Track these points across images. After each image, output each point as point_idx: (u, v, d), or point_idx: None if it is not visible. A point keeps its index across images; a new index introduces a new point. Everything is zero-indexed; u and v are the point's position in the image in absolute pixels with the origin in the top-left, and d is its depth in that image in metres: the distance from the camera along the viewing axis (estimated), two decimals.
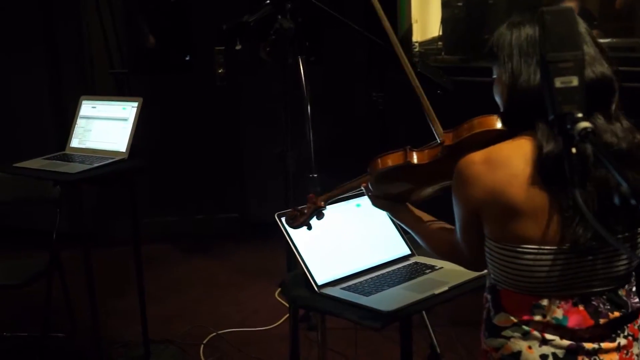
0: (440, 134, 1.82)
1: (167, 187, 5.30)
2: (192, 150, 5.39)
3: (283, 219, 2.20)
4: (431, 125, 1.88)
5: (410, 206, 1.90)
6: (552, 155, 1.43)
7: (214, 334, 3.82)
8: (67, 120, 5.26)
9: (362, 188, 1.92)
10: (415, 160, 1.71)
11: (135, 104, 3.10)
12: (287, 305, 3.97)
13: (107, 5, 4.56)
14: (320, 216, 2.05)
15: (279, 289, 4.24)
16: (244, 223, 5.48)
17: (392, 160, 1.76)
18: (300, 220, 2.07)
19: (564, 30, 1.33)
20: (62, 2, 5.24)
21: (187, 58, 5.48)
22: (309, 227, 2.07)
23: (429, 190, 1.84)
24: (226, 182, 5.45)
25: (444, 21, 5.29)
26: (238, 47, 2.79)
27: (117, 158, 2.99)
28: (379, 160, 1.78)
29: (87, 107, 3.21)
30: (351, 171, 2.08)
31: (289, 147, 2.94)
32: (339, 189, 2.00)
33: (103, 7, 4.36)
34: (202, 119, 5.38)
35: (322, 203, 2.02)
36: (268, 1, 3.27)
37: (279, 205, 5.22)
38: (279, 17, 2.48)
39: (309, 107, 2.41)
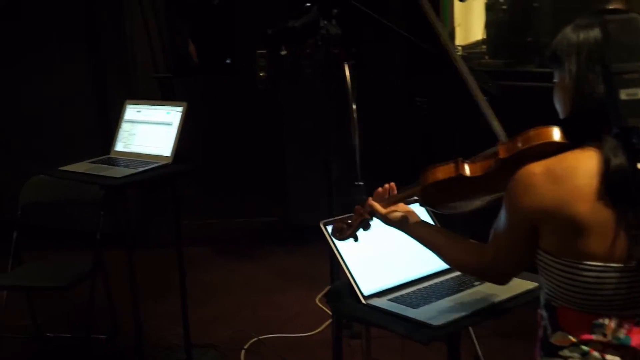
0: (502, 136, 1.77)
1: (208, 189, 5.31)
2: (233, 153, 5.40)
3: (328, 228, 2.17)
4: (495, 129, 1.84)
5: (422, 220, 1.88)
6: (620, 170, 1.37)
7: (255, 339, 3.80)
8: (111, 124, 5.33)
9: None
10: (467, 173, 1.67)
11: (180, 109, 3.10)
12: (329, 311, 3.94)
13: (151, 9, 4.56)
14: (366, 227, 2.01)
15: (320, 294, 4.24)
16: (285, 226, 5.46)
17: (443, 172, 1.72)
18: (347, 233, 2.04)
19: (629, 40, 1.28)
20: (106, 7, 5.27)
21: (228, 61, 5.51)
22: (356, 239, 2.04)
23: (477, 203, 1.80)
24: (267, 185, 5.44)
25: (488, 24, 5.21)
26: (283, 53, 2.77)
27: (162, 162, 2.98)
28: (430, 172, 1.74)
29: (132, 111, 3.21)
30: (395, 178, 2.04)
31: (333, 154, 2.90)
32: (384, 201, 1.97)
33: (147, 11, 4.36)
34: (243, 122, 5.39)
35: (369, 214, 1.99)
36: (309, 4, 3.25)
37: (321, 210, 5.20)
38: (325, 22, 2.44)
39: (355, 114, 2.37)
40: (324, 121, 5.07)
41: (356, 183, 2.46)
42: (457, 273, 2.22)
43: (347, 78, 2.40)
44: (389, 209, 1.93)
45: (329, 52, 2.58)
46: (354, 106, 2.37)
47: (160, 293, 4.32)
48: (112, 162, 3.07)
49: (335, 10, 2.36)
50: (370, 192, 2.28)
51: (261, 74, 5.24)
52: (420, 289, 2.13)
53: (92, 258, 3.72)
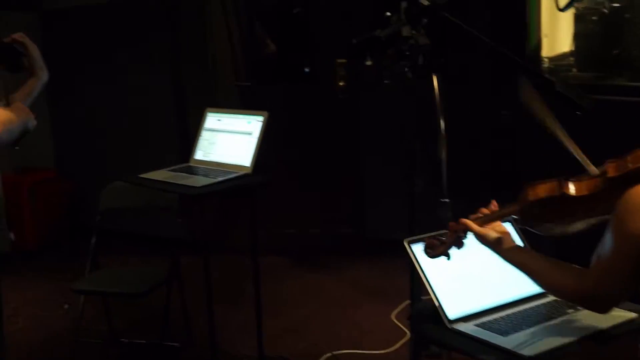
0: (587, 164, 1.66)
1: (285, 199, 5.26)
2: (310, 162, 5.34)
3: (413, 247, 2.07)
4: (575, 155, 1.72)
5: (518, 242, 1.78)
6: None
7: (329, 354, 3.72)
8: (190, 132, 5.35)
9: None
10: (572, 192, 1.57)
11: (261, 118, 3.05)
12: (405, 328, 3.84)
13: (233, 17, 4.56)
14: (460, 245, 1.92)
15: (397, 310, 4.14)
16: (360, 239, 5.37)
17: (545, 190, 1.62)
18: (440, 250, 1.95)
19: None
20: (187, 15, 5.30)
21: (307, 70, 5.47)
22: (448, 257, 1.95)
23: (579, 225, 1.69)
24: (345, 196, 5.37)
25: (577, 36, 5.02)
26: (368, 63, 2.70)
27: (241, 173, 2.94)
28: (530, 190, 1.65)
29: (212, 120, 3.19)
30: (480, 195, 1.95)
31: (416, 168, 2.80)
32: (479, 219, 1.86)
33: (229, 18, 4.35)
34: (321, 131, 5.33)
35: (463, 232, 1.89)
36: (389, 14, 3.16)
37: (399, 224, 5.10)
38: (414, 32, 2.34)
39: (443, 127, 2.28)
40: (405, 133, 4.98)
41: (442, 200, 2.35)
42: (549, 298, 2.10)
43: (435, 90, 2.30)
44: (484, 228, 1.84)
45: (416, 63, 2.48)
46: (442, 119, 2.27)
47: (234, 301, 4.30)
48: (192, 170, 3.04)
49: (424, 20, 2.26)
50: (456, 209, 2.18)
51: (340, 83, 5.19)
52: (509, 314, 2.01)
53: (169, 265, 3.72)
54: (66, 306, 4.41)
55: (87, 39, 5.64)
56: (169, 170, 3.06)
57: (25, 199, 5.52)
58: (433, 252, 1.97)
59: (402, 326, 3.94)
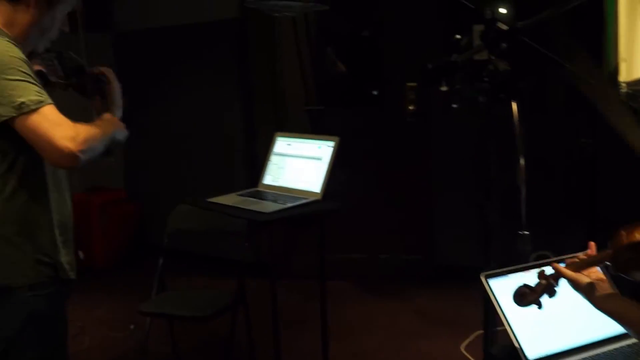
0: None
1: (352, 223, 5.19)
2: (378, 187, 5.27)
3: (490, 282, 1.98)
4: None
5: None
6: None
7: None
8: (259, 156, 5.34)
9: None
10: None
11: (332, 144, 3.00)
12: None
13: (304, 40, 4.54)
14: (552, 294, 1.81)
15: (466, 342, 4.01)
16: (428, 266, 5.26)
17: None
18: (530, 299, 1.84)
19: None
20: (257, 39, 5.31)
21: (375, 92, 5.41)
22: (540, 306, 1.83)
23: None
24: (413, 221, 5.26)
25: None
26: (444, 89, 2.61)
27: (311, 199, 2.88)
28: (626, 233, 1.54)
29: (282, 144, 3.15)
30: (560, 228, 1.85)
31: (491, 197, 2.70)
32: (573, 265, 1.76)
33: (300, 42, 4.33)
34: (390, 155, 5.26)
35: (554, 279, 1.79)
36: (458, 36, 3.07)
37: (469, 251, 5.00)
38: (492, 57, 2.26)
39: (522, 155, 2.18)
40: (478, 159, 4.86)
41: (521, 232, 2.24)
42: (629, 341, 1.98)
43: (514, 116, 2.21)
44: (578, 274, 1.74)
45: (492, 88, 2.40)
46: (523, 149, 2.17)
47: (299, 326, 4.24)
48: (260, 195, 3.00)
49: (504, 45, 2.17)
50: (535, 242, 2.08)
51: (410, 107, 5.11)
52: (592, 356, 1.91)
53: (235, 289, 3.69)
54: (132, 327, 4.42)
55: (157, 61, 5.71)
56: (237, 195, 3.02)
57: (95, 218, 5.60)
58: (523, 300, 1.86)
59: (472, 358, 3.81)
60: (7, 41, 1.96)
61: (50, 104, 1.90)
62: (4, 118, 1.87)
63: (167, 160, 5.87)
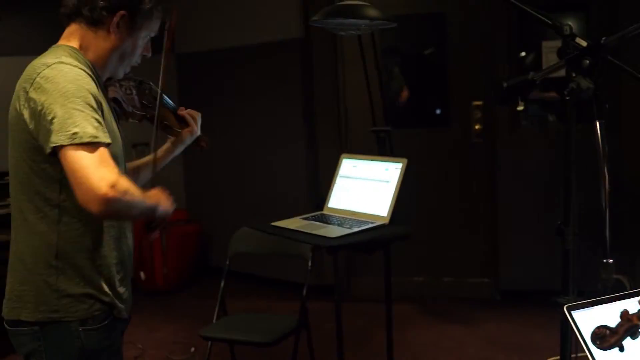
0: None
1: (415, 244, 5.06)
2: (442, 207, 5.14)
3: (574, 314, 1.84)
4: None
5: None
6: None
7: None
8: (321, 178, 5.27)
9: None
10: None
11: (400, 165, 2.89)
12: None
13: (370, 59, 4.45)
14: (635, 335, 1.67)
15: None
16: (495, 289, 5.10)
17: None
18: (611, 341, 1.70)
19: None
20: (321, 59, 5.25)
21: (438, 112, 5.30)
22: (622, 349, 1.69)
23: None
24: (478, 243, 5.12)
25: None
26: (520, 108, 2.50)
27: (378, 223, 2.78)
28: None
29: (348, 166, 3.05)
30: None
31: (570, 222, 2.55)
32: None
33: (365, 62, 4.26)
34: (455, 175, 5.13)
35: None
36: (523, 54, 2.95)
37: (537, 275, 4.83)
38: (574, 75, 2.13)
39: (607, 179, 2.04)
40: (548, 180, 4.72)
41: (605, 260, 2.09)
42: None
43: (598, 137, 2.07)
44: None
45: (574, 107, 2.26)
46: (606, 171, 2.04)
47: (363, 350, 4.13)
48: (325, 219, 2.91)
49: (587, 61, 2.05)
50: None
51: (477, 127, 4.99)
52: None
53: (298, 313, 3.60)
54: (192, 349, 4.38)
55: (220, 82, 5.69)
56: (302, 219, 2.93)
57: (156, 239, 5.57)
58: (602, 343, 1.72)
59: None
60: (82, 70, 1.90)
61: (104, 144, 1.81)
62: (55, 145, 1.78)
63: (228, 181, 5.84)
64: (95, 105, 1.85)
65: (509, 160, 4.92)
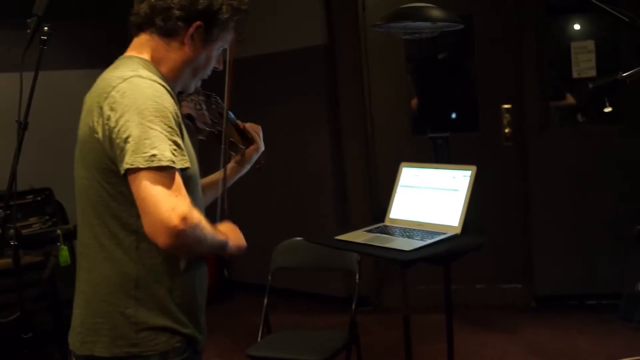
0: None
1: None
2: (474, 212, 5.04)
3: None
4: None
5: None
6: None
7: None
8: (349, 186, 5.16)
9: None
10: None
11: (469, 173, 2.80)
12: None
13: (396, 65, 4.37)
14: None
15: None
16: (529, 295, 5.01)
17: None
18: None
19: None
20: (346, 65, 5.16)
21: (453, 116, 5.23)
22: None
23: None
24: (511, 248, 5.02)
25: None
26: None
27: (450, 233, 2.67)
28: None
29: (409, 175, 2.94)
30: None
31: None
32: None
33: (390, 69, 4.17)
34: (487, 179, 5.02)
35: None
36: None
37: (568, 278, 4.75)
38: None
39: None
40: (579, 183, 4.64)
41: None
42: None
43: None
44: None
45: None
46: None
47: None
48: (390, 231, 2.80)
49: None
50: None
51: (506, 130, 4.90)
52: None
53: (348, 329, 3.50)
54: None
55: (244, 90, 5.57)
56: (365, 232, 2.81)
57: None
58: None
59: None
60: (161, 85, 1.76)
61: (182, 170, 1.69)
62: (130, 166, 1.65)
63: (251, 190, 5.71)
64: (174, 125, 1.72)
65: (541, 163, 4.84)
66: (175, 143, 1.69)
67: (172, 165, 1.65)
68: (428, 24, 2.67)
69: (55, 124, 4.53)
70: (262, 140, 2.31)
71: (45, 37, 2.31)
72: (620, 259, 4.65)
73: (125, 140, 1.65)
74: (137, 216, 1.71)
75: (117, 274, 1.78)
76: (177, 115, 1.76)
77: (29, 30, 2.30)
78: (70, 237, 4.19)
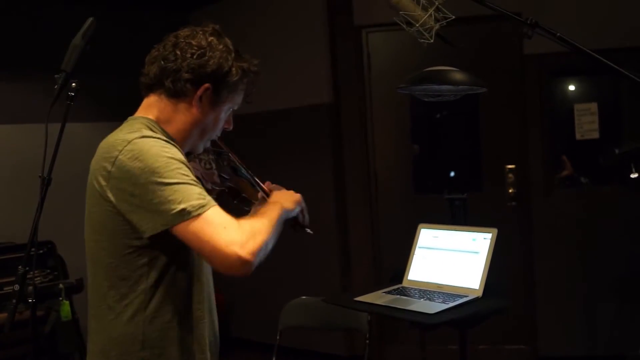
0: None
1: None
2: None
3: None
4: None
5: None
6: None
7: None
8: (351, 246, 5.14)
9: None
10: None
11: (489, 236, 2.79)
12: None
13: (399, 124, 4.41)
14: None
15: None
16: (534, 356, 4.96)
17: None
18: None
19: None
20: (351, 123, 5.18)
21: (452, 175, 5.25)
22: None
23: None
24: (515, 308, 4.98)
25: None
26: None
27: (471, 296, 2.64)
28: None
29: (427, 236, 2.92)
30: None
31: None
32: None
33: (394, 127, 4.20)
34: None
35: None
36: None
37: (573, 339, 4.72)
38: None
39: None
40: (582, 243, 4.64)
41: None
42: None
43: None
44: None
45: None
46: None
47: None
48: (409, 293, 2.76)
49: None
50: None
51: (510, 190, 4.92)
52: None
53: None
54: None
55: (250, 147, 5.57)
56: (384, 293, 2.78)
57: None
58: None
59: None
60: (166, 141, 1.77)
61: (214, 205, 1.69)
62: (164, 228, 1.66)
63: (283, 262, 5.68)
64: (189, 171, 1.74)
65: (545, 223, 4.85)
66: (196, 186, 1.71)
67: (204, 209, 1.66)
68: (450, 87, 2.70)
69: (58, 176, 4.50)
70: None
71: (72, 93, 2.30)
72: (625, 320, 4.63)
73: (150, 203, 1.67)
74: (147, 277, 1.75)
75: (126, 335, 1.78)
76: (186, 162, 1.77)
77: (56, 86, 2.29)
78: (71, 291, 4.13)
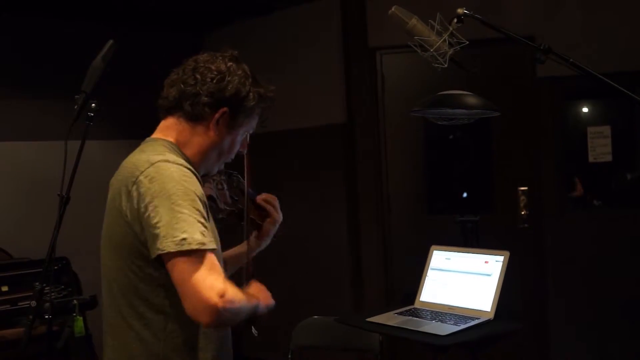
0: None
1: None
2: None
3: None
4: None
5: None
6: None
7: None
8: (363, 268, 5.14)
9: None
10: None
11: (501, 258, 2.81)
12: None
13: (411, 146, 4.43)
14: None
15: None
16: None
17: None
18: None
19: None
20: (365, 144, 5.21)
21: (464, 196, 5.25)
22: None
23: None
24: (527, 332, 4.96)
25: None
26: None
27: (483, 319, 2.66)
28: None
29: (440, 258, 2.95)
30: None
31: None
32: None
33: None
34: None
35: None
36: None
37: None
38: None
39: None
40: (596, 266, 4.63)
41: None
42: None
43: None
44: None
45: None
46: None
47: None
48: (421, 314, 2.79)
49: None
50: None
51: (522, 212, 4.92)
52: None
53: None
54: None
55: (263, 166, 5.60)
56: (396, 314, 2.80)
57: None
58: None
59: None
60: (187, 169, 1.81)
61: (211, 250, 1.72)
62: (161, 251, 1.69)
63: (265, 265, 5.68)
64: (202, 208, 1.76)
65: (557, 245, 4.84)
66: (203, 225, 1.73)
67: (203, 247, 1.68)
68: (464, 110, 2.72)
69: (73, 192, 4.56)
70: (279, 211, 2.31)
71: (92, 114, 2.33)
72: (639, 343, 4.61)
73: (156, 226, 1.69)
74: (165, 297, 1.78)
75: (146, 353, 1.81)
76: (203, 196, 1.80)
77: (76, 106, 2.32)
78: (85, 307, 4.17)
